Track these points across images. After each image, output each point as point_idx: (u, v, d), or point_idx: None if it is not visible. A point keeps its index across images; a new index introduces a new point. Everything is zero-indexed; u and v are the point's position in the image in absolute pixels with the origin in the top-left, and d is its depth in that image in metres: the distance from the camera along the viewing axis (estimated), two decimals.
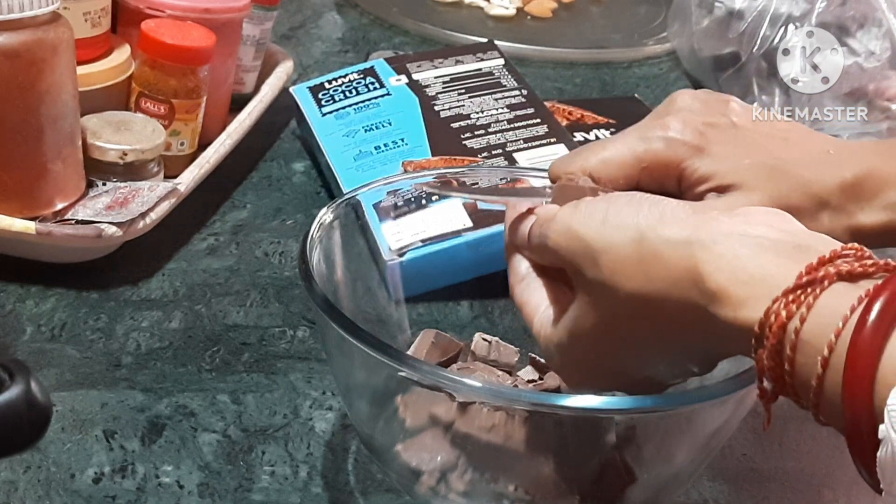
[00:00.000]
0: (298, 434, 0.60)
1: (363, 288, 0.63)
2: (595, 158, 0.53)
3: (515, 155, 0.80)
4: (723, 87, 1.02)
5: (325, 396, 0.63)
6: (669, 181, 0.53)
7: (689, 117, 0.54)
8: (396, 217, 0.68)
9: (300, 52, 1.09)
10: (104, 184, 0.73)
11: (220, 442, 0.59)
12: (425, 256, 0.69)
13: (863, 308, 0.35)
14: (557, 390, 0.56)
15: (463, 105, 0.85)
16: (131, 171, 0.74)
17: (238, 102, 0.87)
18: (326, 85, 0.89)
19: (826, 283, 0.37)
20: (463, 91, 0.87)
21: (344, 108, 0.86)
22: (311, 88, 0.90)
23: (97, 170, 0.73)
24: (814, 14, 0.93)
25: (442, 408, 0.51)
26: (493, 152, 0.80)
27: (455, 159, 0.79)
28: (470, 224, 0.71)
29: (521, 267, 0.52)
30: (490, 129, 0.82)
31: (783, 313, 0.37)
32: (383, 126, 0.83)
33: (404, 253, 0.68)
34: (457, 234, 0.71)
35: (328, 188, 0.84)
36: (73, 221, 0.69)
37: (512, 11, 1.23)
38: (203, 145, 0.80)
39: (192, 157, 0.79)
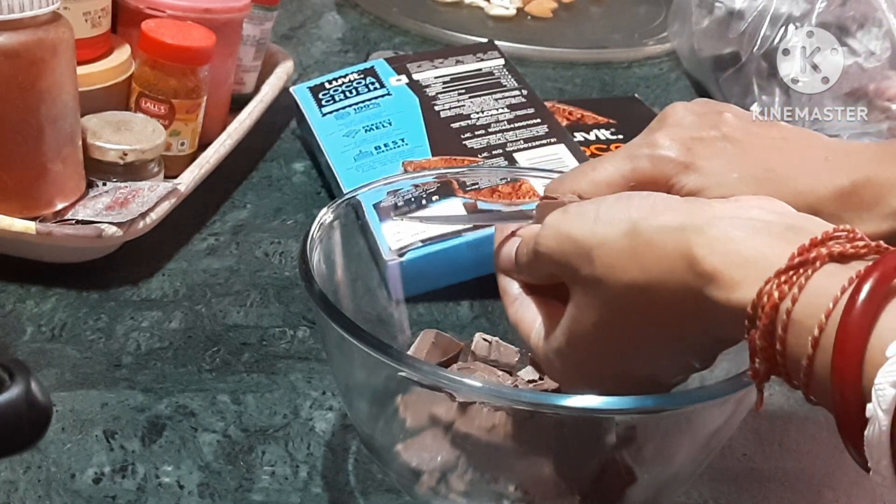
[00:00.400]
0: (298, 434, 0.60)
1: (363, 288, 0.63)
2: (585, 180, 0.53)
3: (515, 155, 0.80)
4: (723, 87, 1.02)
5: (325, 396, 0.63)
6: None
7: (678, 133, 0.53)
8: (397, 217, 0.68)
9: (300, 52, 1.09)
10: (104, 184, 0.73)
11: (221, 442, 0.59)
12: (425, 256, 0.69)
13: (852, 289, 0.36)
14: (558, 390, 0.56)
15: (463, 105, 0.85)
16: (131, 171, 0.74)
17: (238, 102, 0.87)
18: (327, 85, 0.89)
19: (818, 264, 0.37)
20: (463, 91, 0.87)
21: (344, 108, 0.86)
22: (311, 88, 0.90)
23: (97, 170, 0.73)
24: (814, 14, 0.93)
25: (442, 408, 0.51)
26: (494, 152, 0.80)
27: (455, 159, 0.79)
28: (470, 224, 0.71)
29: (513, 288, 0.52)
30: (490, 130, 0.82)
31: (775, 294, 0.37)
32: (383, 126, 0.83)
33: (404, 253, 0.68)
34: (457, 234, 0.71)
35: (328, 188, 0.84)
36: (74, 221, 0.69)
37: (512, 11, 1.23)
38: (203, 145, 0.80)
39: (193, 158, 0.79)
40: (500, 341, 0.60)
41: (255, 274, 0.73)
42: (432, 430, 0.52)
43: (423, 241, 0.70)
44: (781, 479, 0.60)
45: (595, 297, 0.45)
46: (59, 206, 0.71)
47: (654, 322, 0.43)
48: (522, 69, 0.94)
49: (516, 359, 0.60)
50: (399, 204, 0.68)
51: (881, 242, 0.38)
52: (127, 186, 0.72)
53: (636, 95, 1.04)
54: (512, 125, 0.83)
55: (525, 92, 0.87)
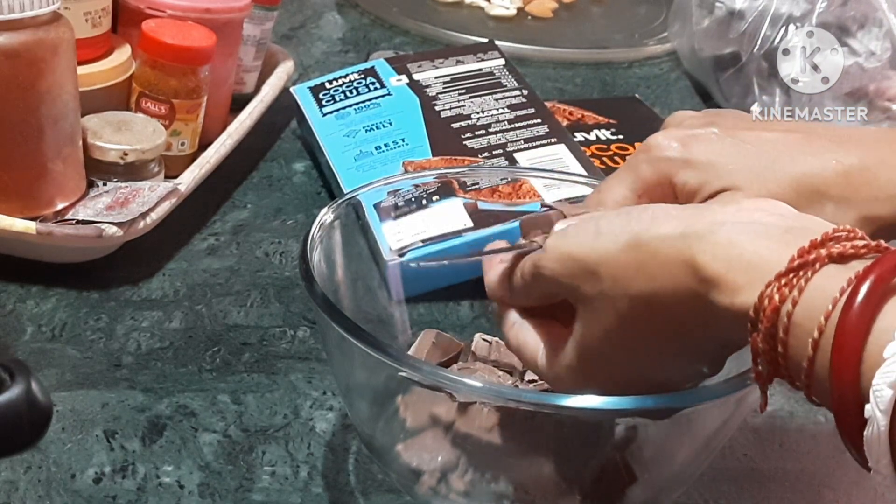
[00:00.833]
0: (299, 434, 0.60)
1: (364, 288, 0.63)
2: (593, 206, 0.54)
3: (516, 155, 0.80)
4: (723, 87, 1.02)
5: (325, 396, 0.63)
6: (669, 201, 0.53)
7: (673, 133, 0.53)
8: (397, 217, 0.68)
9: (301, 52, 1.09)
10: (105, 184, 0.73)
11: (221, 442, 0.59)
12: (426, 256, 0.69)
13: (850, 290, 0.36)
14: None
15: (463, 105, 0.85)
16: (132, 171, 0.74)
17: (238, 102, 0.87)
18: (327, 85, 0.89)
19: (817, 265, 0.37)
20: (463, 91, 0.87)
21: (344, 108, 0.86)
22: (311, 88, 0.90)
23: (98, 170, 0.73)
24: (814, 14, 0.93)
25: (442, 408, 0.51)
26: (494, 152, 0.80)
27: (455, 159, 0.79)
28: (470, 224, 0.71)
29: (510, 314, 0.52)
30: (490, 130, 0.82)
31: (776, 297, 0.37)
32: (384, 126, 0.83)
33: (405, 253, 0.68)
34: (457, 234, 0.71)
35: (329, 188, 0.84)
36: (74, 221, 0.69)
37: (512, 11, 1.23)
38: (203, 145, 0.80)
39: (193, 158, 0.79)
40: (501, 341, 0.60)
41: (256, 274, 0.73)
42: (432, 430, 0.52)
43: (423, 241, 0.70)
44: (781, 479, 0.60)
45: (601, 312, 0.45)
46: (60, 206, 0.71)
47: (662, 330, 0.43)
48: (523, 69, 0.94)
49: (516, 359, 0.60)
50: (399, 204, 0.68)
51: (881, 242, 0.38)
52: (127, 186, 0.72)
53: (636, 95, 1.04)
54: (512, 125, 0.83)
55: (525, 92, 0.87)
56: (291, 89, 0.91)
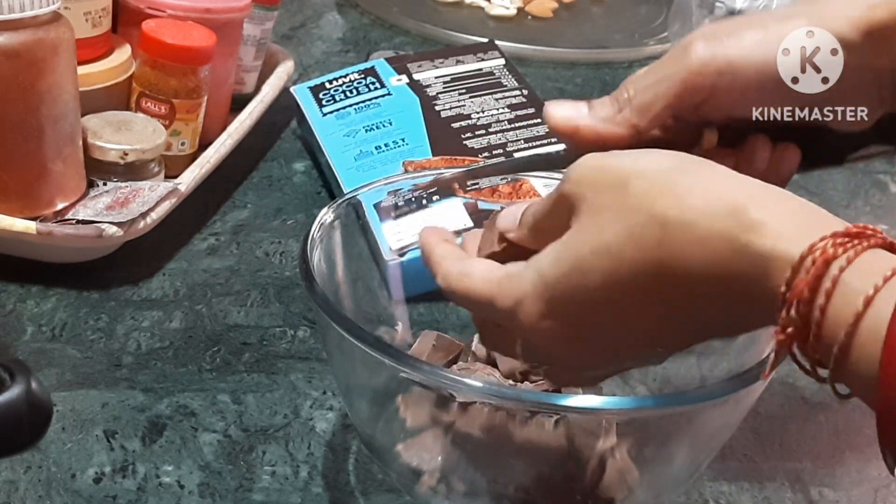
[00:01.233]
0: (299, 434, 0.60)
1: (364, 288, 0.63)
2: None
3: (516, 155, 0.80)
4: None
5: (325, 396, 0.63)
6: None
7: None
8: (397, 217, 0.68)
9: (301, 52, 1.09)
10: (105, 184, 0.73)
11: (221, 442, 0.59)
12: None
13: None
14: (558, 390, 0.56)
15: (463, 105, 0.85)
16: (132, 171, 0.74)
17: (239, 102, 0.87)
18: (327, 85, 0.89)
19: (872, 241, 0.36)
20: (463, 91, 0.87)
21: (344, 107, 0.86)
22: (311, 88, 0.90)
23: (98, 170, 0.73)
24: None
25: (442, 408, 0.51)
26: (494, 152, 0.80)
27: (455, 159, 0.79)
28: (470, 224, 0.71)
29: (454, 265, 0.48)
30: (491, 129, 0.82)
31: (830, 251, 0.36)
32: (384, 126, 0.83)
33: (405, 253, 0.68)
34: (457, 234, 0.71)
35: (329, 188, 0.84)
36: (74, 221, 0.69)
37: (512, 11, 1.23)
38: (204, 145, 0.80)
39: (193, 157, 0.79)
40: None
41: (256, 274, 0.73)
42: (433, 430, 0.52)
43: None
44: (781, 479, 0.60)
45: (609, 221, 0.41)
46: (60, 206, 0.71)
47: (663, 266, 0.39)
48: (523, 69, 0.94)
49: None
50: (399, 204, 0.68)
51: None
52: (127, 186, 0.72)
53: None
54: (512, 125, 0.83)
55: (525, 92, 0.87)
56: (291, 89, 0.91)
